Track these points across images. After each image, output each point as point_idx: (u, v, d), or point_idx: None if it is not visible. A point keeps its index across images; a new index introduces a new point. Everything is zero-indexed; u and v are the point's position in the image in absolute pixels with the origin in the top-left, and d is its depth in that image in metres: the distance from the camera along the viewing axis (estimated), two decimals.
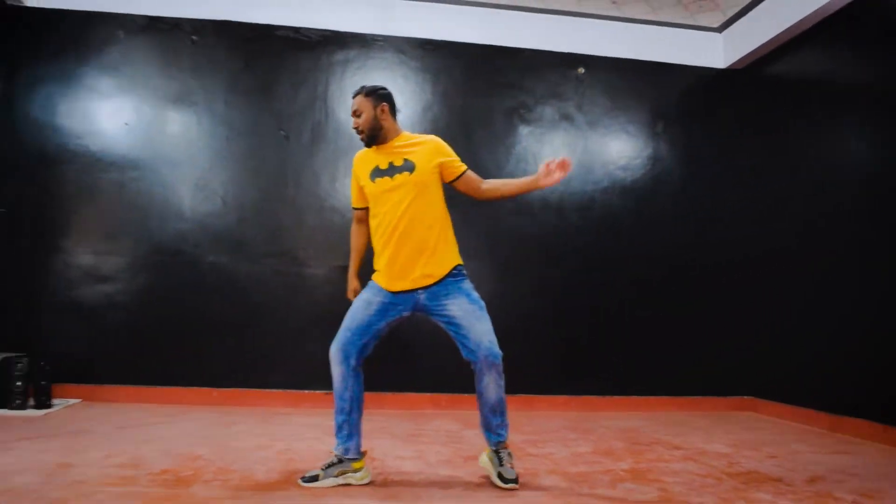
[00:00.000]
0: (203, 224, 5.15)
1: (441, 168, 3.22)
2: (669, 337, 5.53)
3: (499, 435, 3.12)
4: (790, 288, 5.21)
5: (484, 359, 3.00)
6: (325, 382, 5.01)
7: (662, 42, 5.81)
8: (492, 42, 5.60)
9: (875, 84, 4.51)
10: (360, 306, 3.14)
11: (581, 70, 5.70)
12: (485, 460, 3.17)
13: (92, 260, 5.04)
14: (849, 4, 4.67)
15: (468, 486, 3.04)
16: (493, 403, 3.07)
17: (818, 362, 4.84)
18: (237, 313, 5.11)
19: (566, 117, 5.64)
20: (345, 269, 5.07)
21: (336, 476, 2.98)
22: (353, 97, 3.21)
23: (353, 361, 3.11)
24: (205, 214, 5.16)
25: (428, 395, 5.18)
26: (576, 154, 5.59)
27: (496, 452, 3.09)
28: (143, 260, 5.08)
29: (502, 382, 3.10)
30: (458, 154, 4.85)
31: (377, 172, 3.15)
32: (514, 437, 4.06)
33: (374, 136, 3.17)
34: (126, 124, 5.16)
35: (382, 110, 3.19)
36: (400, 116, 5.32)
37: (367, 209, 3.30)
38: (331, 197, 5.27)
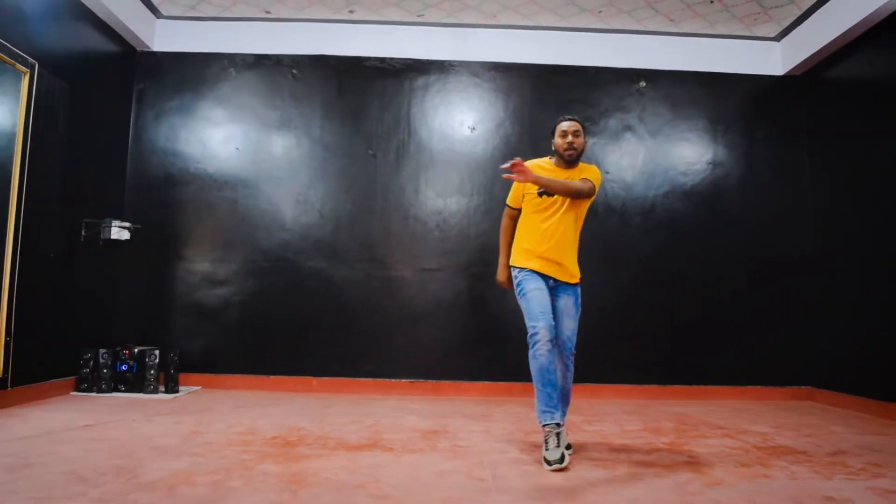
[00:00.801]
0: (303, 234, 5.88)
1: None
2: (731, 330, 5.89)
3: (559, 415, 3.31)
4: (845, 286, 5.48)
5: (561, 344, 3.53)
6: (409, 372, 5.68)
7: (720, 54, 6.18)
8: (558, 62, 6.12)
9: None
10: (538, 294, 3.51)
11: (642, 84, 6.13)
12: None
13: (209, 267, 5.84)
14: None
15: (530, 451, 3.57)
16: (561, 386, 3.49)
17: (871, 352, 5.10)
18: (333, 312, 5.80)
19: (629, 128, 6.09)
20: (427, 271, 5.74)
21: (566, 448, 3.34)
22: (571, 119, 3.63)
23: (554, 338, 3.42)
24: (305, 225, 5.88)
25: (501, 383, 5.72)
26: (637, 161, 6.03)
27: (545, 437, 3.30)
28: (252, 266, 5.85)
29: (569, 374, 3.58)
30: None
31: (543, 191, 3.58)
32: (573, 418, 4.58)
33: (577, 161, 3.64)
34: (237, 149, 5.95)
35: (585, 146, 3.68)
36: (475, 133, 5.97)
37: (519, 210, 3.76)
38: (414, 207, 5.90)
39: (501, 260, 3.81)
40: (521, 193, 3.71)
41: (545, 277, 3.60)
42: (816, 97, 6.01)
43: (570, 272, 3.66)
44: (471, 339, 5.77)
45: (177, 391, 5.32)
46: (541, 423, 3.33)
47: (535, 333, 3.37)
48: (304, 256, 5.86)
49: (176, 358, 5.34)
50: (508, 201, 3.81)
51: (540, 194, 3.60)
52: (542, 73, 6.11)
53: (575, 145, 3.58)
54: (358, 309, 5.81)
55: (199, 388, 5.63)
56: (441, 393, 5.64)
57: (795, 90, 6.16)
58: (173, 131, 5.98)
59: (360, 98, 6.04)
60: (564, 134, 3.60)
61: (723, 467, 3.23)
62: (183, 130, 5.99)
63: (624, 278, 5.88)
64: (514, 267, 3.69)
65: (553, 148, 3.68)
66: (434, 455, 3.40)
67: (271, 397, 5.30)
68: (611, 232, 5.93)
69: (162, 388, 5.33)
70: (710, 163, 6.08)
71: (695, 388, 5.77)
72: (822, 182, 5.90)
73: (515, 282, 3.65)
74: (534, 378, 3.36)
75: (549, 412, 3.31)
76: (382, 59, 6.07)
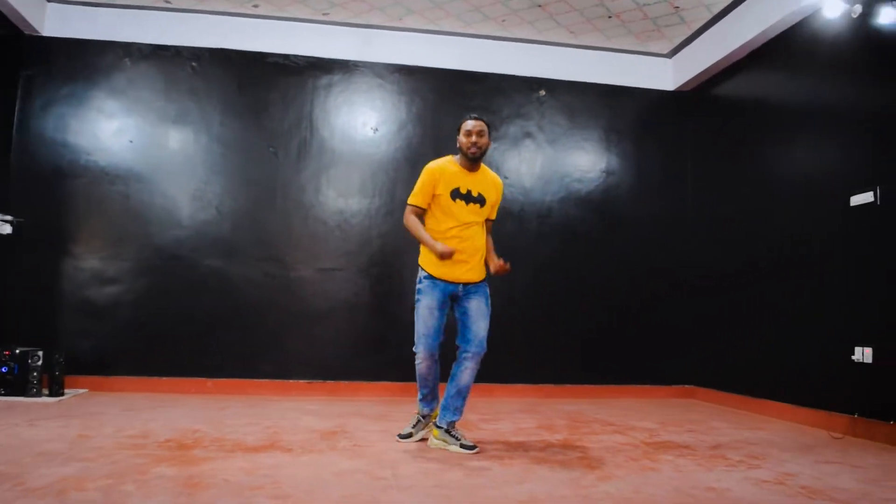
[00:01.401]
0: (199, 231, 5.74)
1: (495, 205, 3.96)
2: (622, 332, 6.17)
3: (455, 415, 3.70)
4: (727, 289, 5.84)
5: (475, 348, 3.68)
6: (307, 373, 5.65)
7: (616, 67, 6.45)
8: (461, 67, 6.23)
9: (808, 103, 5.00)
10: (426, 314, 3.71)
11: (542, 92, 6.32)
12: (436, 442, 3.70)
13: (99, 264, 5.62)
14: (784, 32, 5.22)
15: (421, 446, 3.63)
16: (462, 386, 3.70)
17: (747, 352, 5.47)
18: (230, 311, 5.70)
19: (528, 135, 6.26)
20: (327, 271, 5.72)
21: (423, 429, 3.86)
22: (476, 119, 3.75)
23: (436, 356, 3.73)
24: (201, 222, 5.76)
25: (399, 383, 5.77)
26: (535, 167, 6.21)
27: (448, 431, 3.65)
28: (145, 263, 5.67)
29: (474, 373, 3.73)
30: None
31: (458, 194, 3.71)
32: (470, 416, 4.68)
33: (480, 160, 3.77)
34: (131, 142, 5.75)
35: (489, 144, 3.80)
36: (377, 135, 6.00)
37: (425, 211, 3.81)
38: (315, 207, 5.87)
39: (428, 241, 3.68)
40: (430, 193, 3.75)
41: (450, 285, 3.72)
42: (702, 112, 6.37)
43: (479, 271, 3.80)
44: (369, 339, 5.79)
45: (62, 394, 5.09)
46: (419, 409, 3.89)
47: (416, 354, 3.76)
48: (200, 254, 5.73)
49: (61, 359, 5.11)
50: (414, 201, 3.79)
51: (455, 196, 3.71)
52: (446, 77, 6.20)
53: (479, 144, 3.70)
54: (256, 308, 5.73)
55: (87, 390, 5.41)
56: (339, 394, 5.64)
57: (684, 105, 6.51)
58: (63, 121, 5.72)
59: (261, 94, 5.95)
60: (469, 133, 3.70)
61: (613, 461, 3.40)
62: (73, 121, 5.73)
63: (520, 281, 6.02)
64: (420, 267, 3.81)
65: (458, 146, 3.77)
66: (334, 455, 3.41)
67: (163, 399, 5.16)
68: (508, 236, 6.05)
69: (46, 391, 5.09)
70: (604, 171, 6.33)
71: (587, 387, 6.00)
72: (703, 190, 6.26)
73: (417, 286, 3.79)
74: (417, 378, 3.85)
75: (424, 402, 3.89)
76: (286, 56, 6.01)
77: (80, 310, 5.58)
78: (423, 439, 3.81)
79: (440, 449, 3.64)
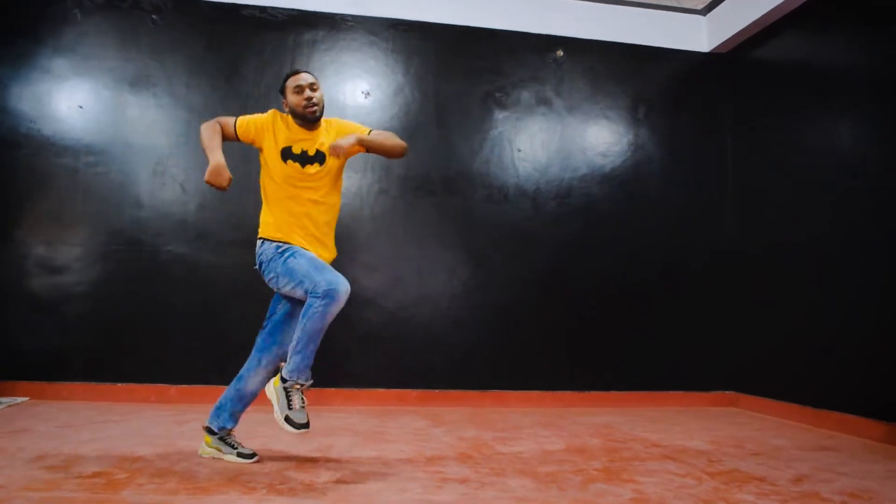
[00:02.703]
0: (162, 212, 4.91)
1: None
2: (648, 331, 5.33)
3: (299, 371, 2.93)
4: (771, 281, 5.02)
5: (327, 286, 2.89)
6: None
7: (645, 25, 5.61)
8: (467, 23, 5.37)
9: (862, 68, 4.32)
10: (312, 256, 3.07)
11: (560, 53, 5.48)
12: (271, 391, 3.00)
13: (44, 250, 4.78)
14: None
15: (427, 488, 2.81)
16: (311, 329, 2.89)
17: (799, 355, 4.66)
18: (198, 306, 4.87)
19: (544, 102, 5.42)
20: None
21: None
22: (303, 72, 3.15)
23: None
24: (164, 202, 4.92)
25: (395, 390, 4.95)
26: (553, 140, 5.38)
27: (286, 391, 2.95)
28: (98, 250, 4.83)
29: (332, 316, 2.92)
30: (432, 140, 4.66)
31: (288, 153, 3.10)
32: (484, 434, 3.88)
33: (319, 119, 3.13)
34: (80, 107, 4.91)
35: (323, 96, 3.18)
36: (370, 100, 5.18)
37: (234, 141, 3.25)
38: None
39: (217, 153, 3.09)
40: (259, 134, 3.16)
41: None
42: (742, 77, 5.53)
43: (332, 250, 3.28)
44: (362, 338, 4.96)
45: None
46: (299, 378, 2.93)
47: (336, 291, 2.86)
48: (163, 239, 4.89)
49: None
50: (238, 128, 3.21)
51: (285, 157, 3.10)
52: (449, 35, 5.35)
53: (315, 99, 3.06)
54: (228, 302, 4.89)
55: (28, 399, 4.59)
56: (327, 402, 4.82)
57: (720, 69, 5.67)
58: (0, 83, 4.86)
59: (234, 53, 5.10)
60: (300, 89, 3.06)
61: None
62: (13, 83, 4.87)
63: (535, 270, 5.23)
64: (267, 240, 3.18)
65: (287, 109, 3.12)
66: (308, 498, 2.58)
67: (116, 411, 4.34)
68: (523, 218, 5.25)
69: None
70: (631, 144, 5.51)
71: (613, 394, 5.18)
72: (745, 168, 5.43)
73: (273, 252, 3.14)
74: (315, 334, 2.90)
75: (308, 368, 2.96)
76: (263, 9, 5.14)
77: (22, 304, 4.74)
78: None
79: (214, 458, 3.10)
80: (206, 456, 3.14)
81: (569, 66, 5.47)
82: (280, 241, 3.11)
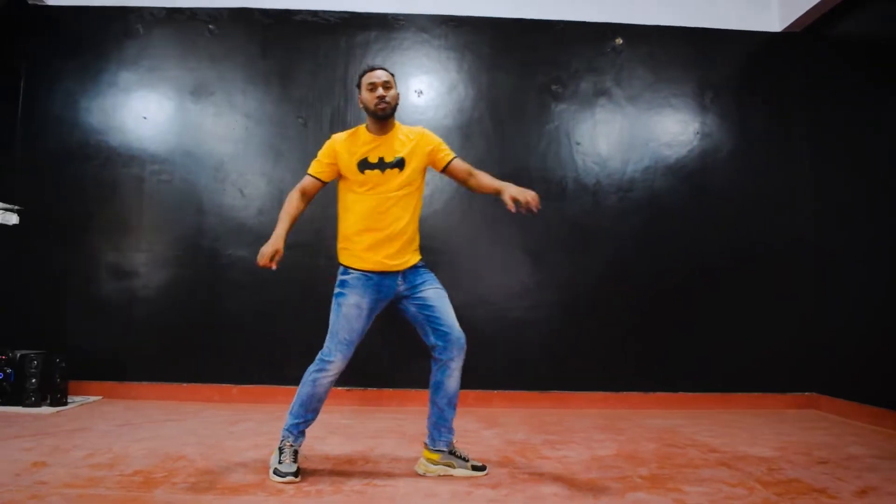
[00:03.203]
0: (222, 217, 5.01)
1: (431, 158, 3.15)
2: (719, 328, 5.04)
3: (451, 432, 3.04)
4: (858, 276, 4.65)
5: (456, 341, 2.96)
6: (343, 378, 4.81)
7: (708, 6, 5.32)
8: (520, 15, 5.24)
9: None
10: (354, 313, 3.01)
11: (619, 41, 5.27)
12: (434, 468, 2.99)
13: (112, 256, 4.97)
14: None
15: (455, 494, 2.73)
16: (452, 394, 3.02)
17: (887, 355, 4.27)
18: (257, 307, 4.95)
19: (603, 93, 5.23)
20: None
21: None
22: (378, 69, 3.07)
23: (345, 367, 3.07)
24: (223, 207, 5.02)
25: None
26: (614, 131, 5.19)
27: (452, 453, 3.01)
28: (163, 255, 4.99)
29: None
30: (487, 137, 4.55)
31: (366, 165, 3.05)
32: (532, 439, 3.77)
33: (391, 117, 3.06)
34: (144, 118, 5.08)
35: (398, 96, 3.11)
36: (423, 98, 5.13)
37: (322, 185, 3.18)
38: None
39: (282, 232, 3.11)
40: (329, 164, 3.10)
41: (385, 280, 3.03)
42: (820, 57, 5.16)
43: (414, 250, 3.14)
44: (418, 339, 4.91)
45: (64, 403, 4.46)
46: (287, 439, 2.98)
47: (331, 362, 3.00)
48: (223, 243, 4.99)
49: (62, 364, 4.46)
50: (310, 169, 3.16)
51: (369, 167, 3.02)
52: (502, 28, 5.23)
53: (387, 97, 3.01)
54: (285, 304, 4.95)
55: (100, 398, 4.78)
56: (382, 403, 4.80)
57: (795, 49, 5.31)
58: (71, 98, 5.09)
59: (288, 58, 5.15)
60: (373, 87, 3.02)
61: None
62: (82, 97, 5.09)
63: (597, 267, 5.04)
64: (341, 266, 3.11)
65: (361, 106, 3.07)
66: (333, 501, 2.55)
67: (178, 410, 4.45)
68: (583, 213, 5.08)
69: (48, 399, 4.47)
70: (697, 133, 5.23)
71: (681, 395, 4.94)
72: (824, 157, 5.07)
73: (338, 281, 3.08)
74: (306, 399, 3.03)
75: (299, 432, 3.03)
76: (315, 13, 5.18)
77: (94, 308, 4.94)
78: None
79: (441, 476, 2.95)
80: (434, 474, 2.98)
81: (628, 54, 5.26)
82: (347, 268, 3.07)
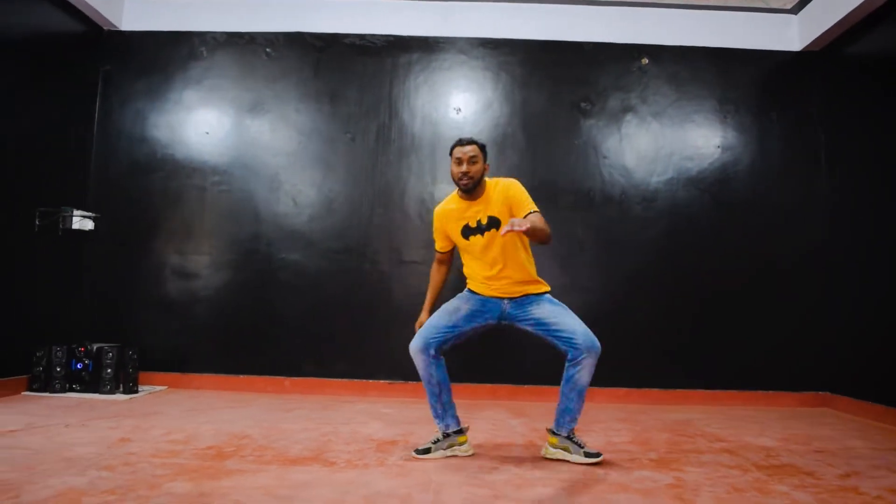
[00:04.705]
0: (276, 224, 5.48)
1: (512, 213, 3.33)
2: (739, 329, 5.37)
3: (574, 422, 3.30)
4: (867, 282, 4.94)
5: (583, 341, 3.18)
6: (387, 372, 5.27)
7: (731, 27, 5.66)
8: (551, 37, 5.64)
9: None
10: (450, 310, 3.44)
11: (645, 61, 5.64)
12: (553, 451, 3.31)
13: (177, 259, 5.47)
14: None
15: (483, 468, 3.13)
16: (581, 388, 3.25)
17: None
18: (307, 306, 5.40)
19: (629, 109, 5.59)
20: (408, 263, 5.32)
21: (445, 449, 3.33)
22: (465, 144, 3.31)
23: (432, 351, 3.36)
24: (277, 215, 5.49)
25: (486, 385, 5.28)
26: (639, 145, 5.54)
27: (569, 438, 3.28)
28: (222, 258, 5.47)
29: (594, 370, 3.25)
30: (520, 148, 4.94)
31: (468, 230, 3.39)
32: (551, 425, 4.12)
33: (476, 188, 3.33)
34: (207, 133, 5.57)
35: (486, 169, 3.38)
36: (461, 115, 5.54)
37: (449, 252, 3.63)
38: (395, 195, 5.48)
39: (426, 304, 3.70)
40: (444, 236, 3.56)
41: (490, 300, 3.42)
42: (837, 75, 5.44)
43: (531, 286, 3.41)
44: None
45: (136, 391, 4.96)
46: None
47: (410, 348, 3.41)
48: (277, 248, 5.46)
49: (134, 356, 4.97)
50: (437, 247, 3.67)
51: (472, 231, 3.37)
52: (534, 49, 5.64)
53: (470, 173, 3.26)
54: (333, 303, 5.40)
55: (165, 388, 5.27)
56: (421, 395, 5.18)
57: (813, 67, 5.61)
58: (140, 115, 5.61)
59: (337, 78, 5.62)
60: (459, 161, 3.29)
61: (712, 493, 2.73)
62: (150, 114, 5.62)
63: (621, 272, 5.40)
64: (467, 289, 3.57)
65: (451, 176, 3.38)
66: (377, 472, 2.97)
67: (236, 399, 4.91)
68: (608, 222, 5.44)
69: (122, 388, 4.97)
70: (719, 147, 5.56)
71: (699, 392, 5.27)
72: (840, 169, 5.35)
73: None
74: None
75: (435, 415, 3.41)
76: (362, 37, 5.65)
77: (159, 305, 5.44)
78: (453, 456, 3.33)
79: (559, 460, 3.26)
80: (552, 456, 3.29)
81: (653, 73, 5.62)
82: (468, 289, 3.54)
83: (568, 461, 3.24)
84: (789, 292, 5.39)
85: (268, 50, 5.65)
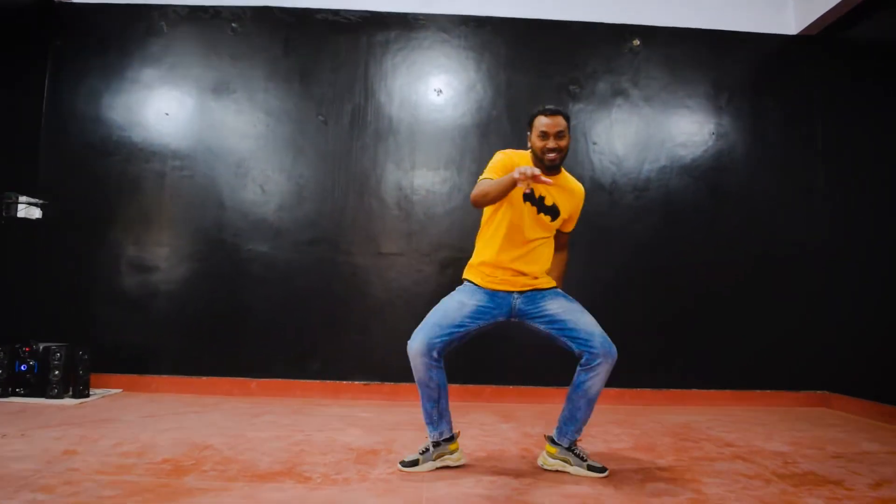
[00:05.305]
0: (243, 212, 5.07)
1: (569, 219, 3.16)
2: (732, 328, 5.09)
3: (578, 432, 2.97)
4: (865, 277, 4.70)
5: (601, 346, 2.83)
6: (363, 373, 4.91)
7: (725, 9, 5.37)
8: (537, 15, 5.29)
9: None
10: (454, 306, 2.98)
11: (636, 42, 5.33)
12: (552, 462, 2.96)
13: (134, 250, 5.04)
14: None
15: (479, 482, 2.79)
16: (592, 397, 2.91)
17: None
18: (276, 302, 5.00)
19: (620, 93, 5.28)
20: (386, 255, 4.96)
21: (434, 459, 2.94)
22: (552, 115, 2.94)
23: (434, 354, 2.89)
24: (244, 202, 5.08)
25: (470, 386, 4.94)
26: (630, 131, 5.24)
27: (570, 450, 2.94)
28: (184, 250, 5.05)
29: (607, 379, 2.91)
30: (505, 133, 4.65)
31: (530, 196, 2.98)
32: (551, 432, 3.79)
33: (557, 168, 3.00)
34: (167, 114, 5.14)
35: (569, 144, 3.01)
36: (442, 98, 5.18)
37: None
38: (371, 182, 5.10)
39: (505, 180, 2.74)
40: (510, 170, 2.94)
41: (498, 294, 2.99)
42: (834, 61, 5.21)
43: (542, 281, 3.06)
44: None
45: (87, 395, 4.52)
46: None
47: (409, 348, 2.89)
48: (244, 238, 5.05)
49: (85, 356, 4.53)
50: (489, 174, 2.96)
51: (526, 198, 2.96)
52: (520, 28, 5.29)
53: (560, 148, 2.89)
54: (304, 299, 5.00)
55: (120, 391, 4.84)
56: (399, 398, 4.84)
57: (810, 52, 5.35)
58: (94, 94, 5.16)
59: (309, 56, 5.22)
60: (544, 135, 2.90)
61: None
62: (106, 93, 5.16)
63: (612, 265, 5.09)
64: (465, 280, 3.11)
65: (529, 146, 2.97)
66: (359, 489, 2.61)
67: (199, 403, 4.51)
68: (598, 212, 5.12)
69: (71, 391, 4.53)
70: (713, 134, 5.28)
71: (694, 392, 4.98)
72: (838, 159, 5.11)
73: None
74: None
75: (428, 421, 2.99)
76: (336, 12, 5.25)
77: (115, 301, 5.00)
78: (443, 467, 2.96)
79: (557, 471, 2.91)
80: (551, 468, 2.96)
81: (645, 55, 5.31)
82: (467, 280, 3.10)
83: (568, 473, 2.91)
84: (787, 286, 5.13)
85: (234, 25, 5.23)
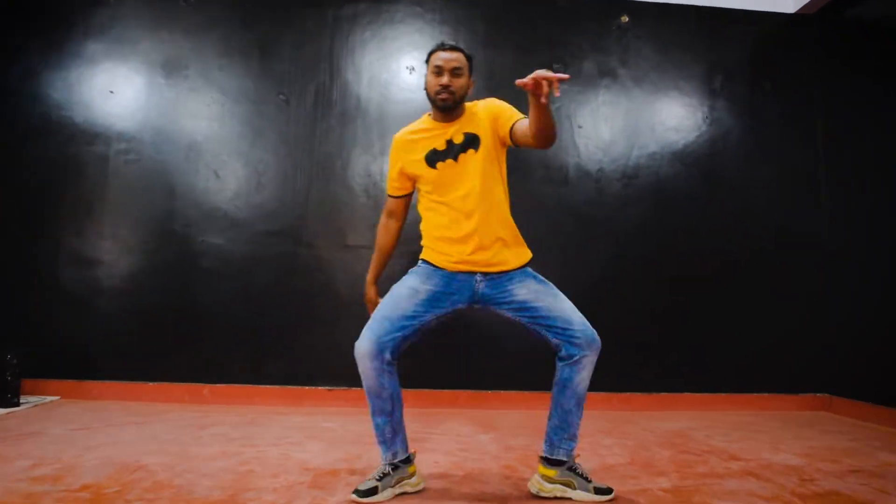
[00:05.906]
0: (195, 200, 4.61)
1: (495, 125, 2.58)
2: (726, 325, 4.73)
3: (574, 439, 2.54)
4: (867, 271, 4.38)
5: (583, 335, 2.44)
6: (329, 377, 4.47)
7: None
8: None
9: None
10: (405, 293, 2.56)
11: (625, 19, 4.94)
12: (550, 487, 2.49)
13: (75, 242, 4.55)
14: None
15: None
16: (581, 395, 2.53)
17: None
18: (232, 300, 4.55)
19: (607, 73, 4.90)
20: (354, 248, 4.54)
21: (393, 486, 2.49)
22: (448, 50, 2.55)
23: (387, 356, 2.49)
24: (196, 190, 4.62)
25: (445, 391, 4.52)
26: (618, 115, 4.86)
27: (573, 470, 2.51)
28: (130, 241, 4.57)
29: (575, 381, 2.50)
30: None
31: (435, 155, 2.59)
32: (535, 444, 3.40)
33: (456, 108, 2.56)
34: (111, 92, 4.66)
35: (471, 86, 2.62)
36: (415, 75, 4.76)
37: (404, 199, 2.79)
38: (336, 167, 4.67)
39: (369, 275, 2.86)
40: (399, 171, 2.71)
41: (457, 277, 2.56)
42: (833, 40, 4.89)
43: (510, 255, 2.61)
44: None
45: (16, 404, 4.04)
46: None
47: (356, 350, 2.49)
48: (196, 229, 4.59)
49: (14, 361, 4.05)
50: (395, 192, 2.78)
51: (432, 161, 2.57)
52: (500, 3, 4.89)
53: (452, 87, 2.49)
54: (263, 296, 4.55)
55: (58, 398, 4.36)
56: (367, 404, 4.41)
57: (809, 33, 5.02)
58: (31, 70, 4.65)
59: (269, 30, 4.76)
60: (438, 71, 2.52)
61: None
62: (44, 69, 4.67)
63: (599, 258, 4.71)
64: (421, 260, 2.67)
65: (424, 88, 2.57)
66: None
67: (143, 412, 4.04)
68: (584, 201, 4.74)
69: None
70: (706, 118, 4.92)
71: (686, 396, 4.61)
72: (837, 144, 4.78)
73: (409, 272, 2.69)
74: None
75: (381, 440, 2.54)
76: None
77: (52, 299, 4.51)
78: (403, 493, 2.51)
79: (556, 497, 2.46)
80: (548, 494, 2.49)
81: (634, 34, 4.93)
82: (423, 261, 2.67)
83: (570, 499, 2.47)
84: (785, 284, 4.79)
85: None
